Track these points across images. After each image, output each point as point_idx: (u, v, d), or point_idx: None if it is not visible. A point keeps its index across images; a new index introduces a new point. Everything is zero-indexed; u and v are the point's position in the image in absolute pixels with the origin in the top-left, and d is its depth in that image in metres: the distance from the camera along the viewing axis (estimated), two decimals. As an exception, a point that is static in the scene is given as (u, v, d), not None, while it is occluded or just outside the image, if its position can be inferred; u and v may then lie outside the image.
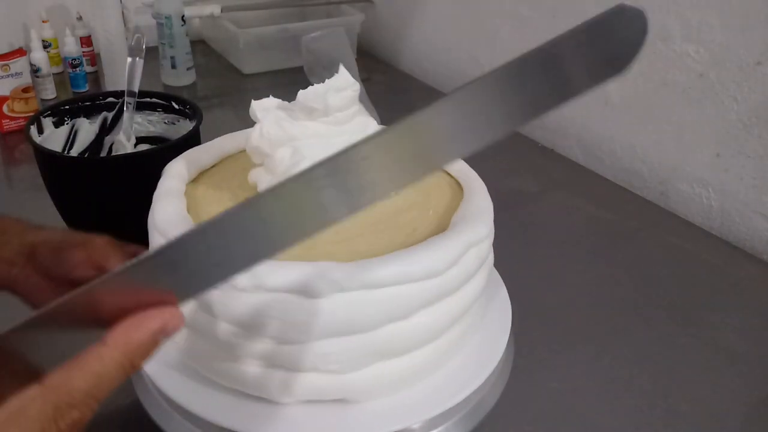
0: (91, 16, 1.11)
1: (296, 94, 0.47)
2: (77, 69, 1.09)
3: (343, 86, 0.47)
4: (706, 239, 0.73)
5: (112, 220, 0.59)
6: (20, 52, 0.94)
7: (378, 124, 0.57)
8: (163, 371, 0.44)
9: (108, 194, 0.59)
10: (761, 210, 0.72)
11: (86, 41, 1.15)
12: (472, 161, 0.53)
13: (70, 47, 1.08)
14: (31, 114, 0.85)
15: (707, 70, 0.74)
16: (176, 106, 0.68)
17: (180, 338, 0.44)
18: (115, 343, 0.27)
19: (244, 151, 0.53)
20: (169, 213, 0.44)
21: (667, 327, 0.58)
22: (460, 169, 0.52)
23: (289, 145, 0.46)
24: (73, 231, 0.44)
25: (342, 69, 0.48)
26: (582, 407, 0.49)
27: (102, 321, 0.27)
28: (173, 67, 1.12)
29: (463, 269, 0.43)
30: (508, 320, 0.51)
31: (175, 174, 0.49)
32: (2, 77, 0.91)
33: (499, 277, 0.55)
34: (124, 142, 0.67)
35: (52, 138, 0.64)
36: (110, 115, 0.69)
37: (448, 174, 0.53)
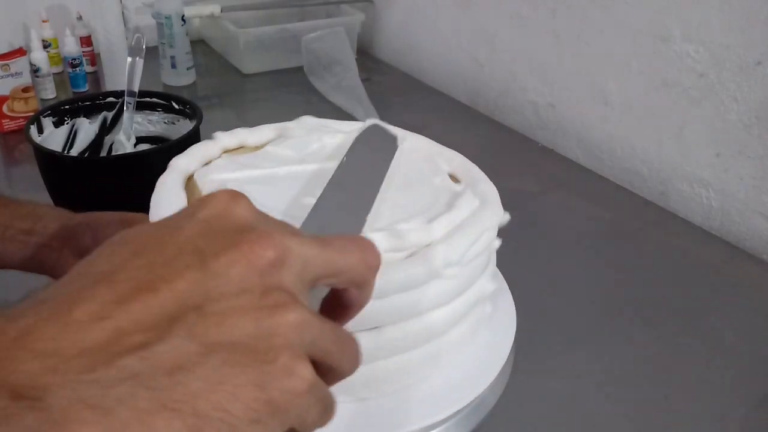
0: (91, 16, 1.11)
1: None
2: (77, 69, 1.09)
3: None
4: (706, 239, 0.73)
5: (112, 220, 0.59)
6: (20, 52, 0.94)
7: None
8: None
9: (108, 194, 0.59)
10: (761, 210, 0.72)
11: (86, 41, 1.15)
12: (472, 161, 0.53)
13: (70, 47, 1.08)
14: (31, 114, 0.85)
15: (707, 70, 0.74)
16: (176, 106, 0.68)
17: None
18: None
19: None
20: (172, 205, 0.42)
21: (667, 327, 0.58)
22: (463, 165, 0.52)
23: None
24: (107, 212, 0.45)
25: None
26: (582, 407, 0.49)
27: None
28: (173, 67, 1.12)
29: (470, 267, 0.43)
30: (512, 324, 0.51)
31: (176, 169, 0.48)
32: (2, 77, 0.92)
33: (503, 279, 0.55)
34: (124, 142, 0.67)
35: (52, 138, 0.64)
36: (110, 115, 0.69)
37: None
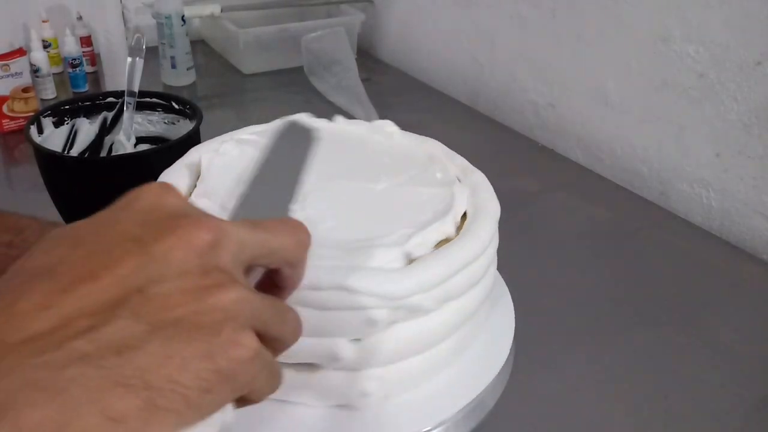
0: (91, 16, 1.11)
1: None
2: (77, 69, 1.09)
3: None
4: (706, 239, 0.73)
5: (112, 220, 0.59)
6: (20, 52, 0.94)
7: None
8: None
9: (108, 194, 0.59)
10: (761, 210, 0.72)
11: (86, 41, 1.15)
12: (472, 161, 0.53)
13: (70, 47, 1.07)
14: (31, 114, 0.85)
15: (707, 70, 0.74)
16: (176, 106, 0.68)
17: None
18: None
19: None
20: None
21: (667, 327, 0.58)
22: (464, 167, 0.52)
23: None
24: None
25: None
26: (582, 407, 0.49)
27: None
28: (173, 67, 1.12)
29: (467, 275, 0.43)
30: (511, 324, 0.51)
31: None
32: (2, 77, 0.91)
33: (503, 280, 0.55)
34: (124, 142, 0.67)
35: (52, 138, 0.64)
36: (110, 115, 0.69)
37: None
